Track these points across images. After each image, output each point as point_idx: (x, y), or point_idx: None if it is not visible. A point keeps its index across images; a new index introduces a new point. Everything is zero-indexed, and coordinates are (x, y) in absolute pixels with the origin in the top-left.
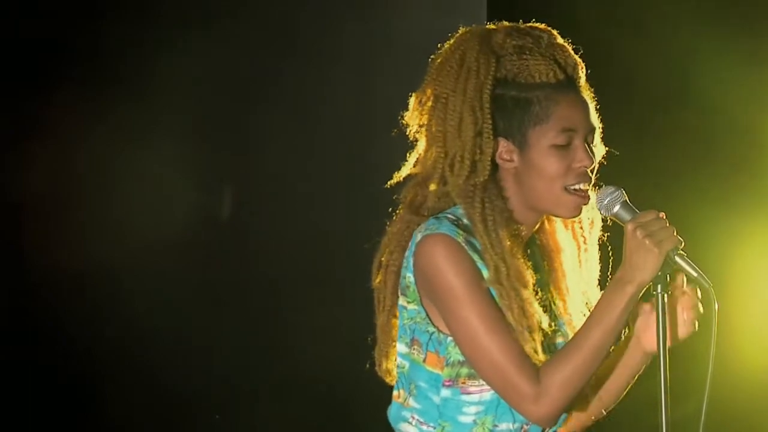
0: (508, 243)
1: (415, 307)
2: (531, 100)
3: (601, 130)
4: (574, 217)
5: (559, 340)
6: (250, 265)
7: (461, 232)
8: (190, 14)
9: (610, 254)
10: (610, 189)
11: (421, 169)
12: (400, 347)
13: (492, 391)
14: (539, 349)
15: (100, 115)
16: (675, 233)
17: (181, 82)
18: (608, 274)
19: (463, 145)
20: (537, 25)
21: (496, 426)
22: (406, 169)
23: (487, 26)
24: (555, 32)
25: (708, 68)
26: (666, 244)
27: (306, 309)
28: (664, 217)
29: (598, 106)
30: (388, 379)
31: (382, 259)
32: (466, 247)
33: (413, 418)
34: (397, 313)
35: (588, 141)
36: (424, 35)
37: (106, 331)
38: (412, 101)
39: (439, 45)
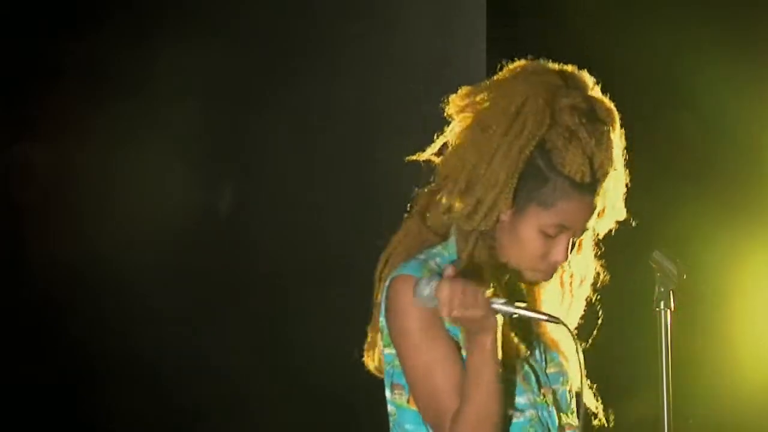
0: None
1: (391, 351)
2: (548, 181)
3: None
4: (536, 284)
5: (552, 370)
6: (252, 264)
7: (427, 272)
8: (190, 14)
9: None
10: (425, 280)
11: (441, 175)
12: (387, 393)
13: None
14: (520, 380)
15: (99, 115)
16: (473, 289)
17: (181, 82)
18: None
19: (483, 194)
20: (607, 103)
21: None
22: (430, 152)
23: (564, 74)
24: (617, 117)
25: (707, 76)
26: (478, 304)
27: (307, 308)
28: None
29: None
30: (375, 372)
31: (383, 273)
32: None
33: None
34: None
35: (574, 238)
36: (425, 36)
37: (106, 330)
38: (468, 90)
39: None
